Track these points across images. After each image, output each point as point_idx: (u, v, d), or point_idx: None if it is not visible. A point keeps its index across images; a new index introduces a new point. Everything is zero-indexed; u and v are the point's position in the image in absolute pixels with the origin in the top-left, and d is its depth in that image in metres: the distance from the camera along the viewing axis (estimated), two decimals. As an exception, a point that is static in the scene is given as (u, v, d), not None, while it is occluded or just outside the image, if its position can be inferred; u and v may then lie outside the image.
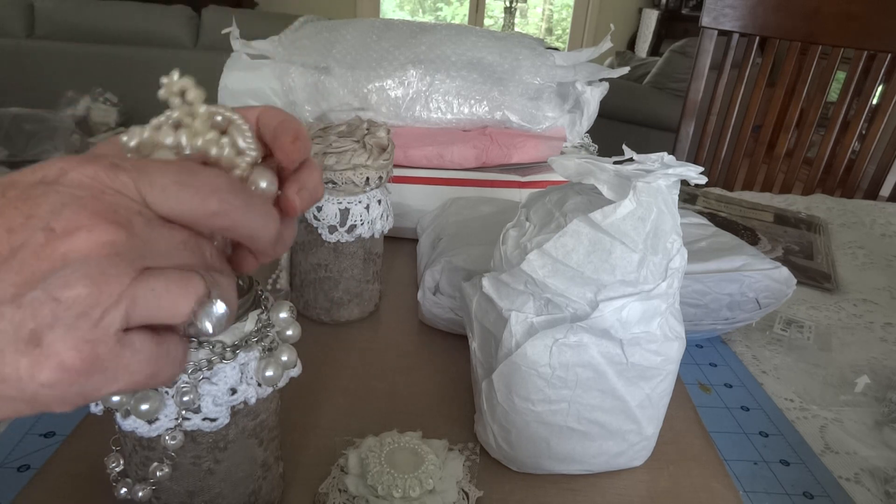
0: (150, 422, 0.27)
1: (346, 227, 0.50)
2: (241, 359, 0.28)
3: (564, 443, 0.38)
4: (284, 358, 0.30)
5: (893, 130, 1.15)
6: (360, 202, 0.50)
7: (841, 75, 1.22)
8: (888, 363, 0.56)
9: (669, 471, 0.41)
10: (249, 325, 0.29)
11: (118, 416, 0.28)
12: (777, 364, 0.55)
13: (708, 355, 0.56)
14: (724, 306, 0.52)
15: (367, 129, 0.51)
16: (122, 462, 0.30)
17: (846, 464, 0.44)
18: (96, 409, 0.28)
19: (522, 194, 0.69)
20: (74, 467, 0.37)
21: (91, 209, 0.19)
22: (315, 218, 0.50)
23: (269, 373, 0.29)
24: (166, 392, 0.27)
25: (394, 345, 0.53)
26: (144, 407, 0.26)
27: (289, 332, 0.31)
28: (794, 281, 0.54)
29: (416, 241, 0.65)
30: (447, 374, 0.49)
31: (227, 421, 0.29)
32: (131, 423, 0.27)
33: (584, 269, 0.34)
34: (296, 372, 0.32)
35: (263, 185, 0.24)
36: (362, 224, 0.50)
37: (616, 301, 0.34)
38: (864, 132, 1.20)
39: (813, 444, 0.45)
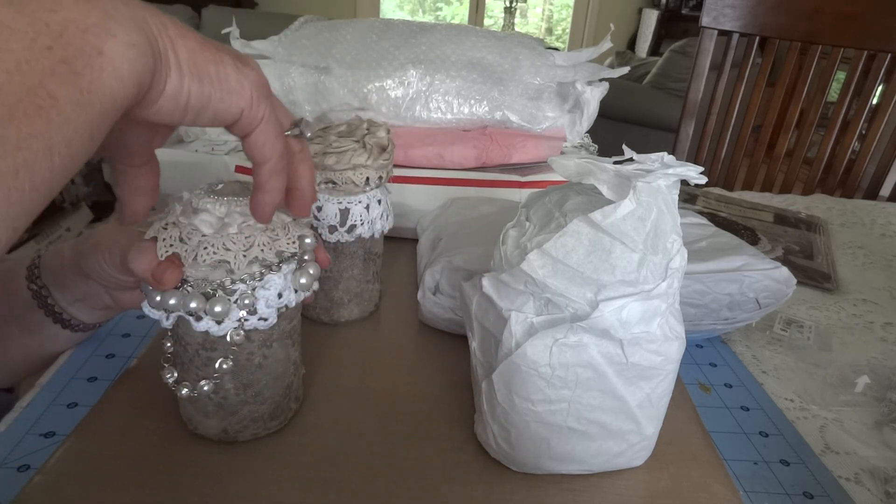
0: (218, 322, 0.35)
1: (346, 227, 0.50)
2: (284, 270, 0.36)
3: (564, 443, 0.38)
4: (311, 271, 0.38)
5: (893, 130, 1.15)
6: (360, 202, 0.50)
7: (841, 75, 1.22)
8: (888, 363, 0.56)
9: (669, 471, 0.41)
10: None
11: (192, 320, 0.35)
12: (777, 364, 0.55)
13: (708, 355, 0.56)
14: (724, 306, 0.52)
15: (367, 129, 0.51)
16: (175, 373, 0.37)
17: (846, 464, 0.44)
18: (167, 322, 0.35)
19: (522, 194, 0.69)
20: (74, 467, 0.37)
21: None
22: (315, 218, 0.50)
23: (302, 280, 0.37)
24: (230, 299, 0.35)
25: (394, 345, 0.53)
26: (217, 308, 0.34)
27: (308, 255, 0.39)
28: (794, 281, 0.54)
29: (416, 241, 0.65)
30: (447, 374, 0.49)
31: (275, 321, 0.37)
32: (204, 325, 0.35)
33: (584, 269, 0.34)
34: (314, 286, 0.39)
35: (308, 240, 0.38)
36: (362, 224, 0.50)
37: (616, 301, 0.34)
38: (864, 132, 1.20)
39: (813, 444, 0.45)
